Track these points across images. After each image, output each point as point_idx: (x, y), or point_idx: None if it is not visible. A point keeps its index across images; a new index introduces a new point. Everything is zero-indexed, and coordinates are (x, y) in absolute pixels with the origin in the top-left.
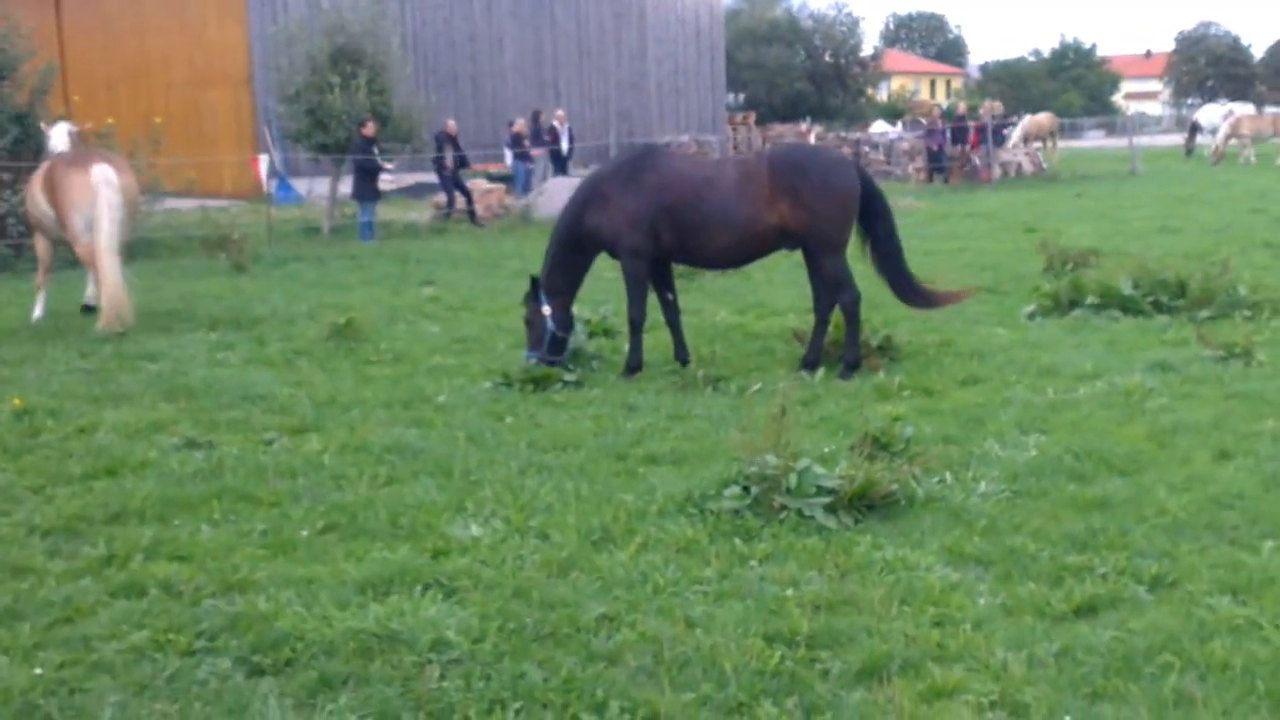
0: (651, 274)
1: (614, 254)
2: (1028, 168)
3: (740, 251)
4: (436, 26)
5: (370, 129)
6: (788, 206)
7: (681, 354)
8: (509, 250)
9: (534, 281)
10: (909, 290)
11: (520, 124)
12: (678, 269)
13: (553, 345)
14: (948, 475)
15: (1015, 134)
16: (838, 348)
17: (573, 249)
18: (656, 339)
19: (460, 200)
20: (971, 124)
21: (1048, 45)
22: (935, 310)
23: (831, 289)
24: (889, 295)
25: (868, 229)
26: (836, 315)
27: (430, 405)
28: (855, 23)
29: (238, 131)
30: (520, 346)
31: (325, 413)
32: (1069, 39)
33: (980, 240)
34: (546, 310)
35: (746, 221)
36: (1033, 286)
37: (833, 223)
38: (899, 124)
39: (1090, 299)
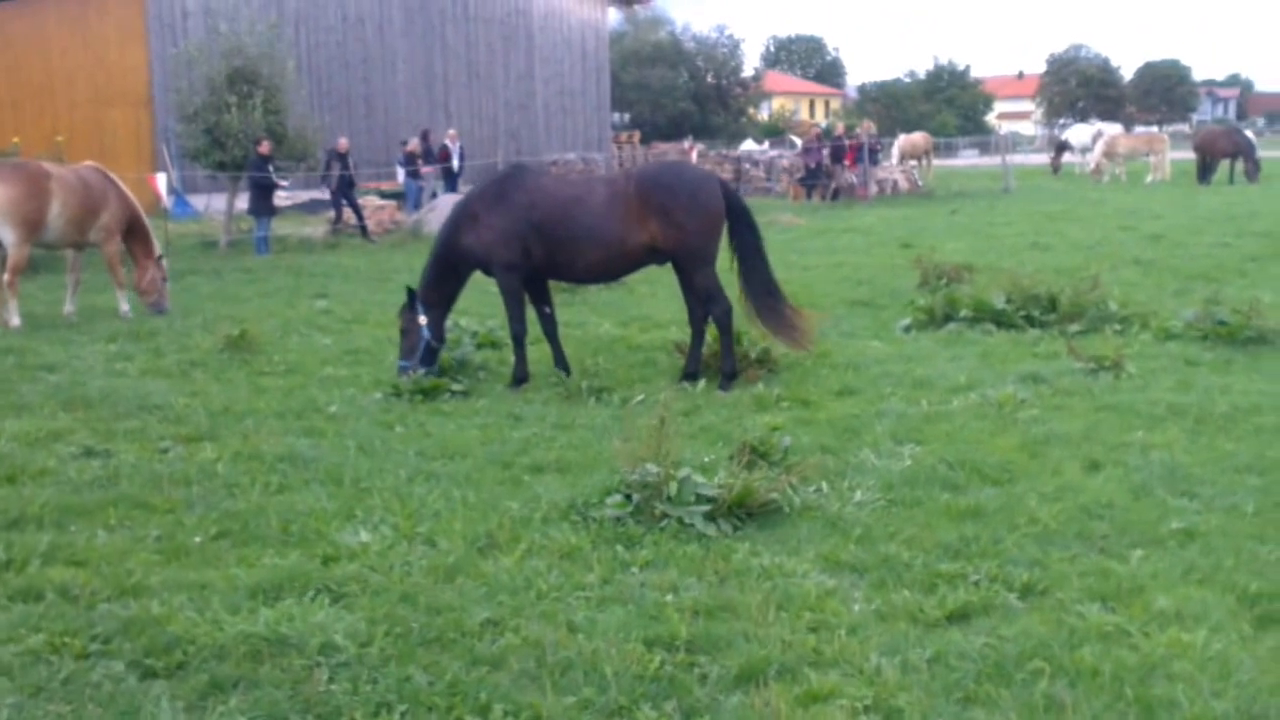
0: (528, 289)
1: (488, 271)
2: (904, 185)
3: (610, 267)
4: (330, 49)
5: (266, 147)
6: (657, 224)
7: (562, 365)
8: (400, 264)
9: (411, 293)
10: (768, 310)
11: (414, 144)
12: (561, 285)
13: (426, 355)
14: (824, 484)
15: (895, 150)
16: (718, 359)
17: (448, 266)
18: (542, 352)
19: (349, 215)
20: (848, 142)
21: (923, 67)
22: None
23: (704, 302)
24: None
25: (736, 244)
26: (713, 327)
27: (322, 415)
28: (736, 45)
29: (137, 149)
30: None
31: (220, 422)
32: (944, 61)
33: (857, 255)
34: (423, 320)
35: (615, 239)
36: (908, 301)
37: (701, 238)
38: (766, 143)
39: (964, 313)
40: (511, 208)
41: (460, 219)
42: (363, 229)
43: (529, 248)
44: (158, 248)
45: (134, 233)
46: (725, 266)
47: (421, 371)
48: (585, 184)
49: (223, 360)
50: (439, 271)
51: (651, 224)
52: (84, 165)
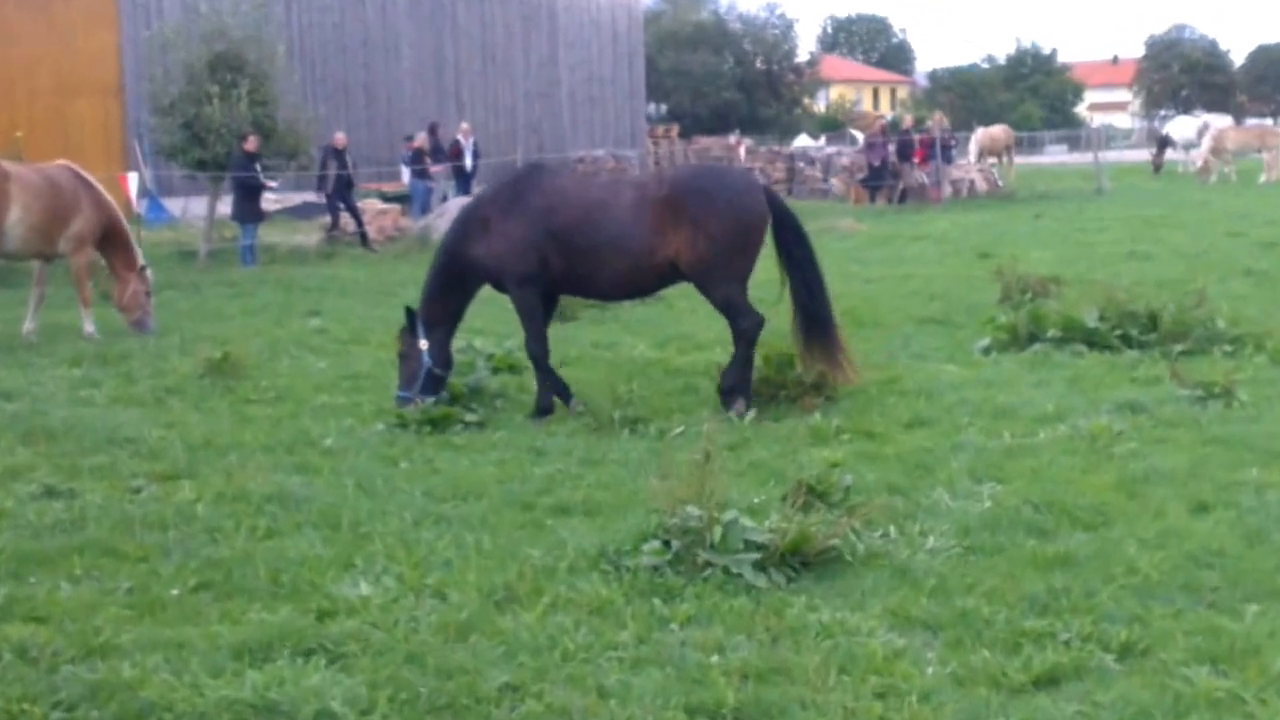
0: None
1: (500, 286)
2: (981, 186)
3: (637, 282)
4: (326, 31)
5: (252, 144)
6: (686, 235)
7: (561, 394)
8: (405, 277)
9: (410, 313)
10: (817, 339)
11: (420, 139)
12: (590, 301)
13: (429, 383)
14: (892, 529)
15: (972, 147)
16: (770, 386)
17: (453, 279)
18: (571, 376)
19: (348, 221)
20: (918, 137)
21: (1003, 51)
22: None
23: (729, 317)
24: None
25: (785, 261)
26: (767, 347)
27: (316, 449)
28: (789, 26)
29: (106, 145)
30: None
31: (199, 457)
32: (1026, 44)
33: (928, 266)
34: (423, 345)
35: (643, 250)
36: (987, 318)
37: (731, 254)
38: (823, 138)
39: (1051, 332)
40: (528, 213)
41: (468, 225)
42: (362, 236)
43: (547, 259)
44: (140, 258)
45: (113, 242)
46: (759, 279)
47: (426, 401)
48: (611, 187)
49: (203, 387)
50: (443, 285)
51: (681, 234)
52: (53, 165)
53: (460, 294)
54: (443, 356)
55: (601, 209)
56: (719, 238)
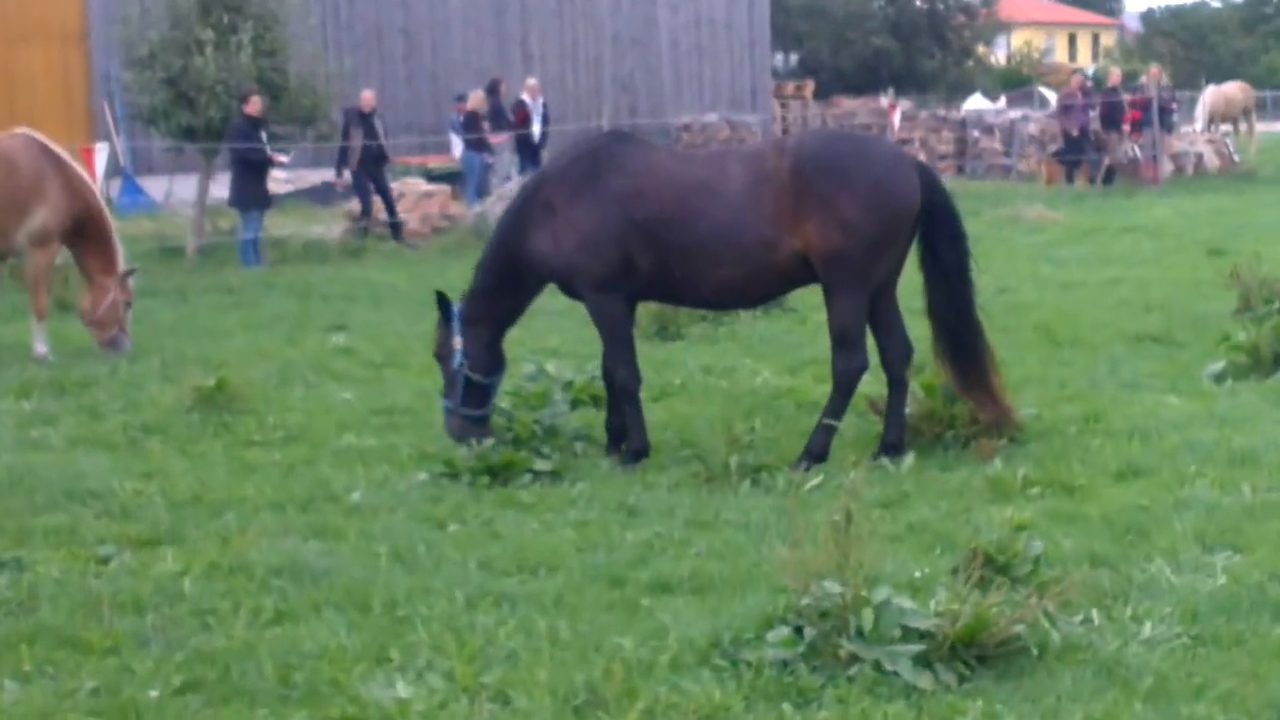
0: None
1: (570, 290)
2: (1213, 161)
3: (750, 287)
4: None
5: (256, 106)
6: (815, 224)
7: (619, 439)
8: (455, 279)
9: (441, 299)
10: (963, 362)
11: (476, 99)
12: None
13: (468, 393)
14: (1095, 612)
15: (1201, 110)
16: (934, 422)
17: (507, 273)
18: (671, 410)
19: (381, 207)
20: (1128, 98)
21: None
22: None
23: (834, 349)
24: (1005, 345)
25: (928, 260)
26: (930, 373)
27: (339, 507)
28: None
29: (66, 108)
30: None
31: (186, 517)
32: None
33: (1143, 267)
34: (458, 343)
35: (758, 245)
36: (1220, 335)
37: (867, 248)
38: (1003, 98)
39: None
40: (604, 198)
41: (528, 209)
42: (394, 227)
43: (631, 257)
44: (122, 259)
45: (88, 236)
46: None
47: (469, 415)
48: (715, 162)
49: (191, 424)
50: (493, 278)
51: (810, 222)
52: (8, 134)
53: (514, 295)
54: (483, 359)
55: (703, 192)
56: (856, 227)
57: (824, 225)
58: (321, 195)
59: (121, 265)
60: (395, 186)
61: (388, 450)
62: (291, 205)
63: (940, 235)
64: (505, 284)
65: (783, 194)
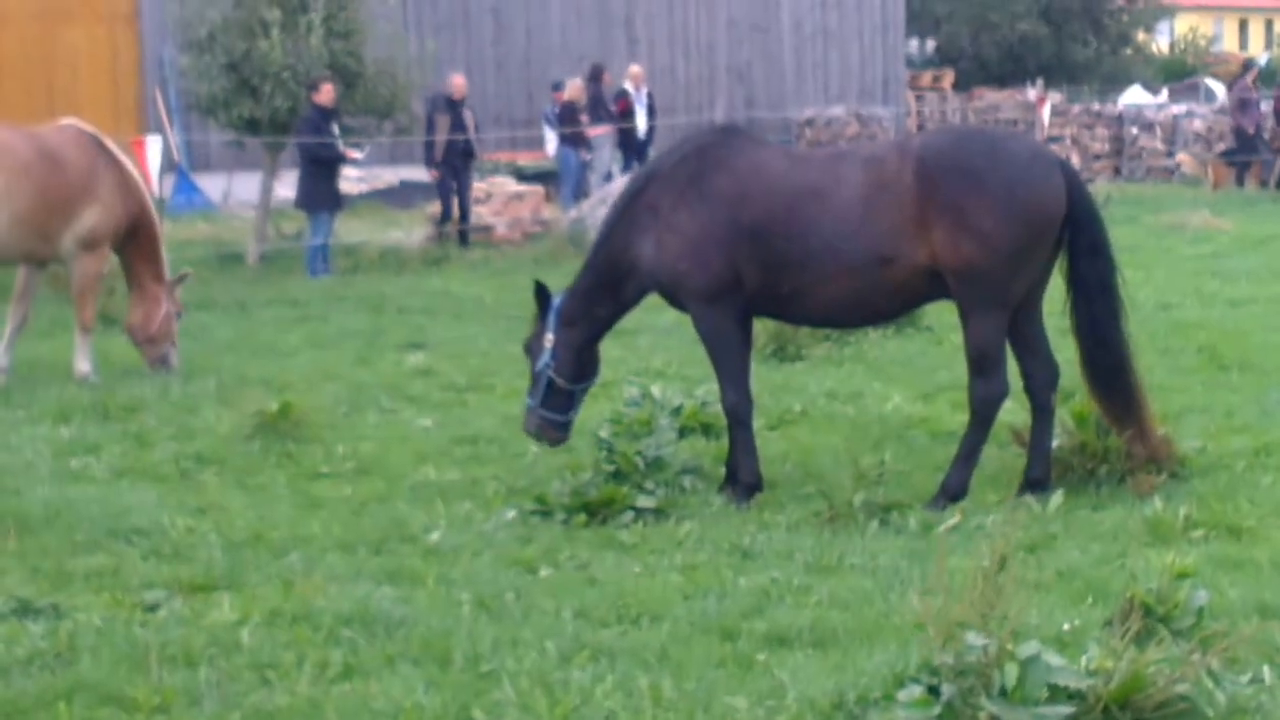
0: None
1: (676, 301)
2: None
3: (868, 304)
4: None
5: (328, 95)
6: (944, 232)
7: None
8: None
9: (540, 289)
10: (1109, 386)
11: (574, 88)
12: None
13: (549, 395)
14: (1266, 670)
15: None
16: (1087, 456)
17: (609, 277)
18: (790, 440)
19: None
20: None
21: None
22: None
23: (970, 374)
24: (1166, 369)
25: (1072, 273)
26: (1081, 401)
27: (416, 548)
28: None
29: (114, 96)
30: (579, 439)
31: (244, 559)
32: None
33: None
34: (549, 340)
35: (876, 257)
36: None
37: (1008, 260)
38: (1164, 91)
39: None
40: (709, 200)
41: (632, 209)
42: (461, 234)
43: (739, 267)
44: (168, 266)
45: (139, 242)
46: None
47: (548, 418)
48: (831, 164)
49: (251, 454)
50: (594, 279)
51: (938, 231)
52: (55, 125)
53: (614, 298)
54: (571, 363)
55: (816, 196)
56: (991, 237)
57: (954, 236)
58: (399, 196)
59: (167, 272)
60: (482, 186)
61: (471, 485)
62: (365, 207)
63: (1081, 246)
64: (606, 288)
65: (905, 202)
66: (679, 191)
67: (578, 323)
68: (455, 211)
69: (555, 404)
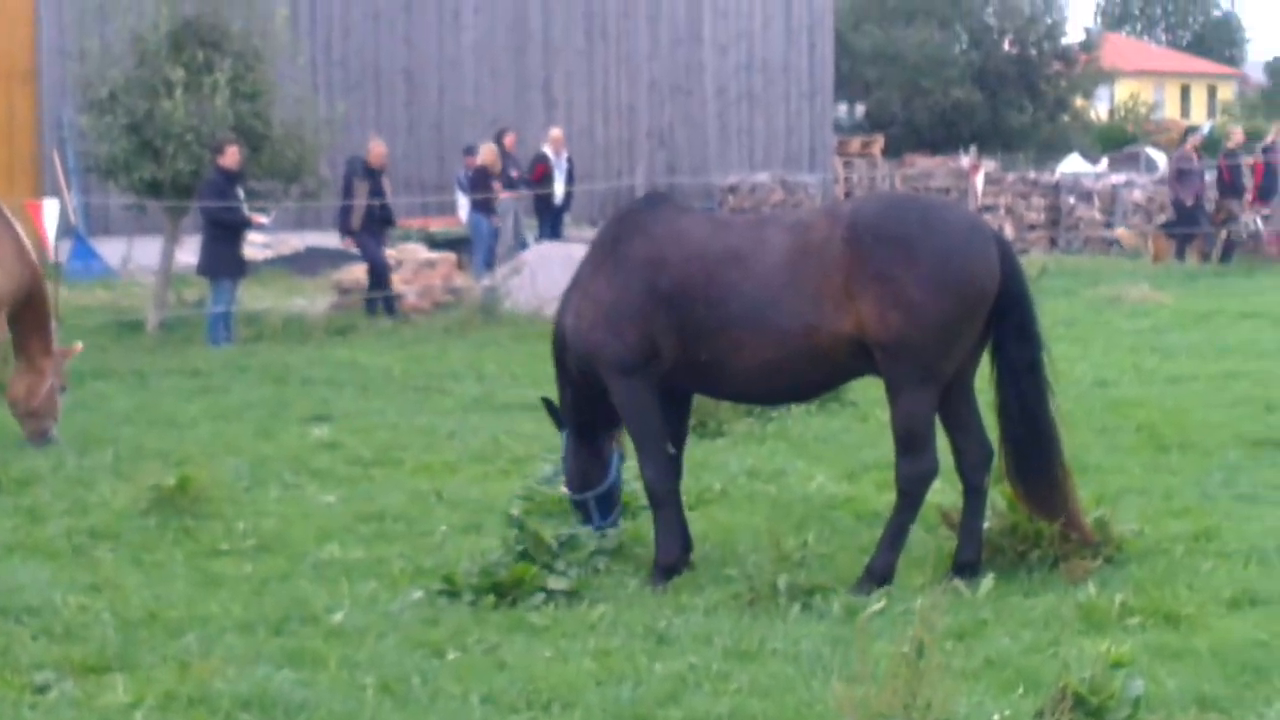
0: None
1: (595, 373)
2: None
3: (788, 377)
4: None
5: (233, 157)
6: (872, 302)
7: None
8: (461, 363)
9: (547, 404)
10: (1031, 467)
11: (486, 152)
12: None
13: (580, 503)
14: None
15: None
16: (1018, 539)
17: (562, 365)
18: (709, 520)
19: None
20: (1249, 161)
21: None
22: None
23: (898, 453)
24: (1103, 449)
25: (998, 350)
26: (1002, 482)
27: (319, 629)
28: None
29: (9, 157)
30: (482, 511)
31: (139, 639)
32: None
33: (1264, 359)
34: (562, 445)
35: (797, 325)
36: None
37: (936, 333)
38: (1104, 160)
39: None
40: (625, 267)
41: (570, 285)
42: (388, 301)
43: (656, 337)
44: (57, 338)
45: (30, 312)
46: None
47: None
48: (757, 229)
49: (148, 529)
50: (563, 381)
51: (864, 301)
52: None
53: (580, 388)
54: (572, 469)
55: (736, 261)
56: (921, 309)
57: (882, 306)
58: (305, 263)
59: (55, 344)
60: (392, 253)
61: (376, 563)
62: (270, 274)
63: (1009, 325)
64: (567, 375)
65: (831, 269)
66: (598, 260)
67: (578, 419)
68: (358, 275)
69: (583, 512)
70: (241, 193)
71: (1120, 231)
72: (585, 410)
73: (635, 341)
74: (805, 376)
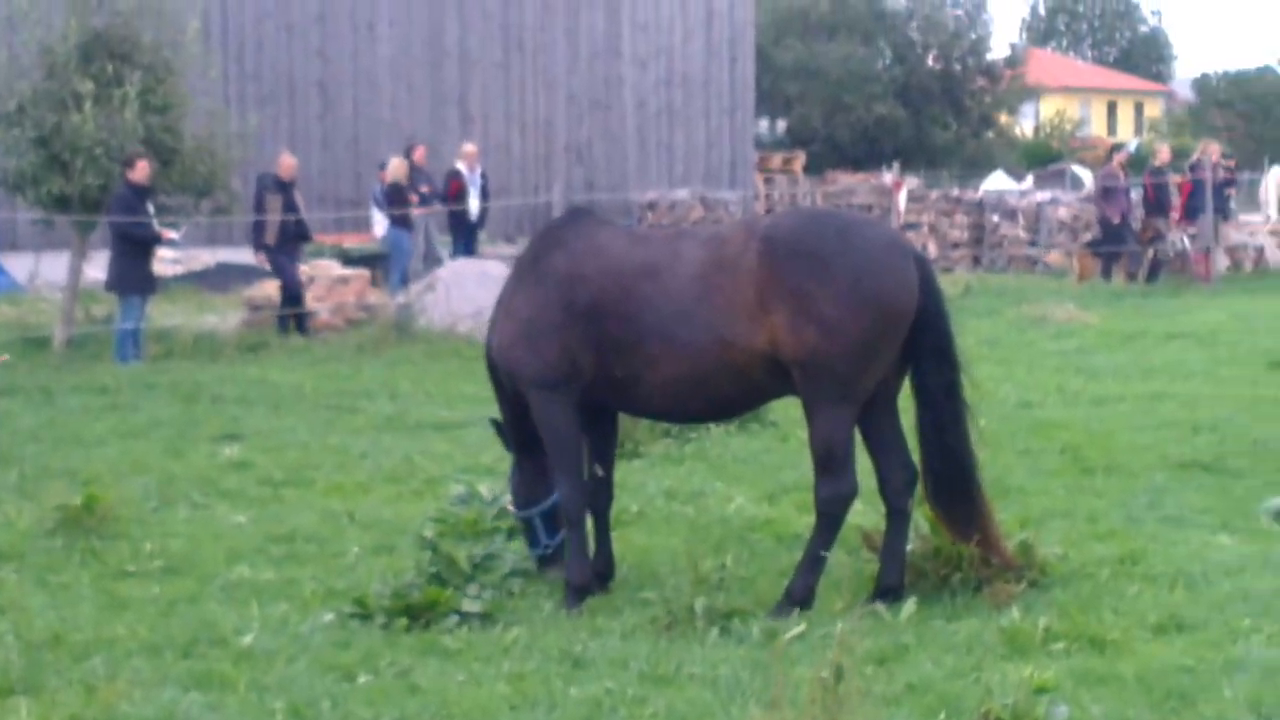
0: (588, 428)
1: (516, 390)
2: (1275, 255)
3: (704, 394)
4: (264, 2)
5: (142, 172)
6: (784, 317)
7: (604, 564)
8: (374, 381)
9: (495, 426)
10: (948, 490)
11: (396, 167)
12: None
13: (526, 522)
14: None
15: (1266, 195)
16: (941, 562)
17: (502, 389)
18: (626, 542)
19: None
20: (1177, 179)
21: None
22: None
23: (816, 473)
24: (1027, 471)
25: (914, 374)
26: (926, 504)
27: (227, 651)
28: (979, 5)
29: None
30: (395, 532)
31: (44, 662)
32: None
33: (1191, 381)
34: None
35: (711, 339)
36: None
37: (852, 351)
38: (1029, 177)
39: None
40: (544, 283)
41: (499, 298)
42: (299, 318)
43: (574, 352)
44: None
45: None
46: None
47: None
48: (670, 244)
49: (53, 550)
50: (496, 391)
51: (778, 317)
52: None
53: (527, 411)
54: (516, 486)
55: (652, 275)
56: (836, 327)
57: (796, 322)
58: (216, 279)
59: None
60: (305, 269)
61: (287, 585)
62: (180, 290)
63: (926, 347)
64: (504, 395)
65: (744, 283)
66: (520, 276)
67: (518, 446)
68: (269, 290)
69: (528, 534)
70: (151, 207)
71: (1053, 255)
72: (526, 427)
73: (555, 358)
74: (723, 394)
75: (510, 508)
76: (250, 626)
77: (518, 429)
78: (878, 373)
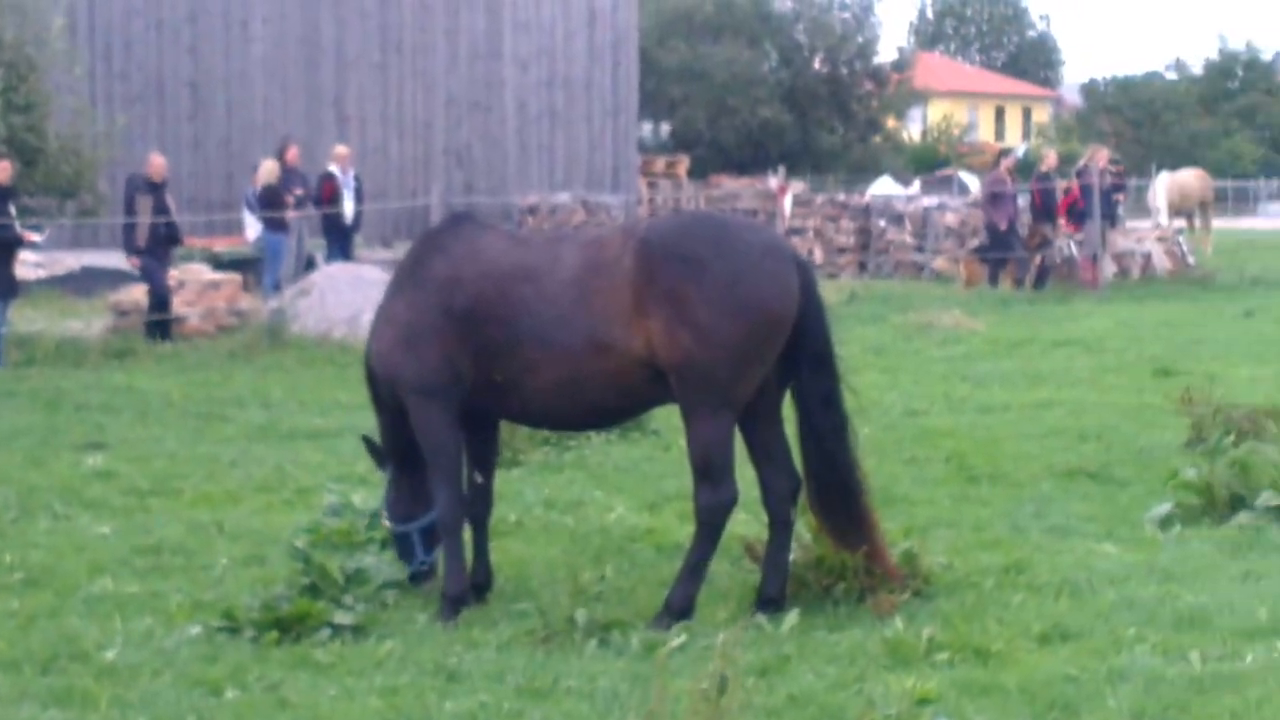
0: (467, 437)
1: (395, 396)
2: (1163, 263)
3: (582, 400)
4: None
5: (4, 172)
6: (660, 321)
7: (482, 576)
8: (245, 389)
9: (367, 443)
10: (830, 501)
11: (267, 168)
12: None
13: (402, 537)
14: None
15: (1155, 201)
16: (823, 572)
17: (380, 399)
18: (503, 552)
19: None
20: (1064, 184)
21: (1199, 55)
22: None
23: (695, 481)
24: (911, 479)
25: (794, 382)
26: (809, 513)
27: (90, 667)
28: (867, 8)
29: None
30: (265, 543)
31: None
32: (1234, 46)
33: (1078, 388)
34: (383, 479)
35: (587, 343)
36: (1168, 472)
37: (729, 357)
38: (916, 182)
39: (1267, 495)
40: (423, 287)
41: (380, 304)
42: (163, 325)
43: (453, 357)
44: None
45: None
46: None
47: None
48: (548, 247)
49: None
50: (373, 401)
51: (653, 321)
52: None
53: (405, 421)
54: (393, 500)
55: (528, 278)
56: (712, 332)
57: (671, 327)
58: (81, 283)
59: None
60: (174, 274)
61: (152, 598)
62: (43, 295)
63: (805, 355)
64: (382, 404)
65: (621, 286)
66: (400, 281)
67: (395, 453)
68: (138, 296)
69: (399, 549)
70: (13, 209)
71: (940, 262)
72: (404, 439)
73: (435, 363)
74: (601, 400)
75: (386, 523)
76: (113, 641)
77: (395, 440)
78: (756, 379)
